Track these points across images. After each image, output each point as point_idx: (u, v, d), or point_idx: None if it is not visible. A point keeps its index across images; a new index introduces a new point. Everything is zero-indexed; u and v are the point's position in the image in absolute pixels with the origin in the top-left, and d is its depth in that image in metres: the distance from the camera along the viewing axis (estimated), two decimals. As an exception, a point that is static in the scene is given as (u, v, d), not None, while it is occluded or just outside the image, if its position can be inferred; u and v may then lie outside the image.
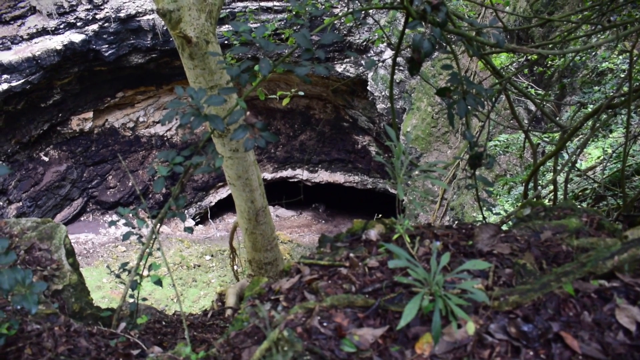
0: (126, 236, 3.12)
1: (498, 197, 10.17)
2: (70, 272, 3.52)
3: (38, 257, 3.53)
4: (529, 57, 9.37)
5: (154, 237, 3.10)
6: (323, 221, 24.01)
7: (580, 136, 9.75)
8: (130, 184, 19.37)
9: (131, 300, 3.58)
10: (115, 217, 19.38)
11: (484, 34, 2.61)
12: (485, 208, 3.19)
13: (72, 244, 15.32)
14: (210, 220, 21.57)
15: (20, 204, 17.15)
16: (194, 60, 4.44)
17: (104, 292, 16.64)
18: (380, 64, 17.55)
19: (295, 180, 22.47)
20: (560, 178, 6.65)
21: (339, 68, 18.56)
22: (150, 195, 20.10)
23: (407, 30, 2.65)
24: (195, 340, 4.33)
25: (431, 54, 2.36)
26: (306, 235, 22.02)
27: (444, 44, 2.90)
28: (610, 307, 1.63)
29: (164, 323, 4.67)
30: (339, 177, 22.21)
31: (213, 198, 21.87)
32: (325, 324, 1.74)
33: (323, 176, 22.41)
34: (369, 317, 1.74)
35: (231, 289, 5.26)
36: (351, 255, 2.22)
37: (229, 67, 2.70)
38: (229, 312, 4.85)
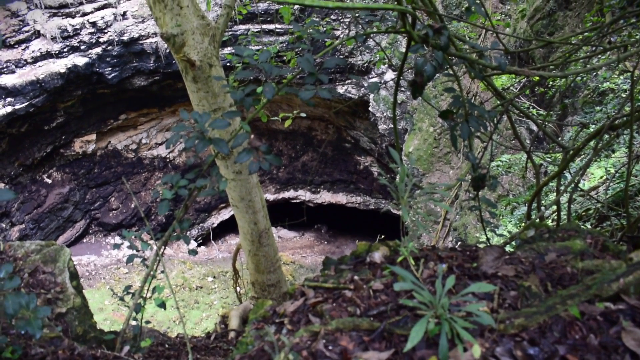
0: (130, 259, 3.13)
1: (501, 217, 10.17)
2: (74, 295, 3.52)
3: (42, 280, 3.54)
4: (531, 78, 9.44)
5: (157, 260, 3.10)
6: (325, 242, 23.94)
7: (583, 156, 9.77)
8: (132, 205, 19.39)
9: (134, 323, 3.57)
10: (118, 239, 19.39)
11: (486, 57, 2.65)
12: (488, 229, 3.20)
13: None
14: (212, 241, 21.54)
15: (23, 226, 17.16)
16: (198, 83, 4.49)
17: (106, 314, 16.55)
18: (382, 85, 17.68)
19: (298, 201, 22.48)
20: (563, 199, 6.64)
21: (341, 89, 18.69)
22: (153, 217, 20.11)
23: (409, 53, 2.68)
24: (198, 364, 4.30)
25: (433, 77, 2.39)
26: (309, 257, 21.94)
27: (446, 66, 2.94)
28: (617, 330, 1.63)
29: (167, 346, 4.64)
30: (341, 198, 22.22)
31: (215, 219, 21.86)
32: (330, 348, 1.74)
33: (325, 197, 22.41)
34: (374, 341, 1.74)
35: (234, 311, 5.24)
36: (356, 278, 2.22)
37: (233, 91, 2.74)
38: (232, 334, 4.83)
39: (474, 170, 2.86)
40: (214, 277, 19.02)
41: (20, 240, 17.06)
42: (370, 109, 18.61)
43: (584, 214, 8.05)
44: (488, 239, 3.32)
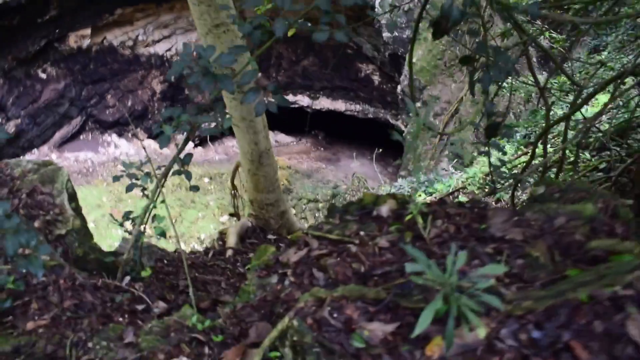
0: (129, 188, 3.07)
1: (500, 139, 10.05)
2: (73, 217, 3.49)
3: (40, 201, 3.49)
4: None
5: (158, 192, 3.05)
6: (322, 148, 23.93)
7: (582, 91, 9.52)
8: (129, 103, 19.09)
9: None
10: (115, 137, 19.26)
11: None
12: (496, 178, 3.13)
13: (72, 162, 15.43)
14: (209, 142, 21.46)
15: (19, 120, 16.95)
16: (200, -4, 4.21)
17: (104, 210, 16.77)
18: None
19: (296, 106, 22.13)
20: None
21: (346, -8, 17.78)
22: (150, 116, 19.88)
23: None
24: (196, 282, 4.38)
25: (460, 22, 2.22)
26: (305, 162, 22.03)
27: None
28: (622, 317, 1.61)
29: (165, 262, 4.71)
30: (340, 105, 21.89)
31: (213, 121, 21.64)
32: (335, 316, 1.72)
33: (324, 103, 22.08)
34: (379, 312, 1.72)
35: (232, 228, 5.29)
36: (361, 233, 2.18)
37: (241, 24, 2.55)
38: (229, 252, 4.89)
39: (488, 117, 2.74)
40: (210, 178, 19.15)
41: (18, 135, 16.92)
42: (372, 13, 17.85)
43: (584, 141, 7.98)
44: (494, 182, 3.27)
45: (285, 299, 2.08)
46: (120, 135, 19.34)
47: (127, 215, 3.31)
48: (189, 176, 2.73)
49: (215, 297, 3.07)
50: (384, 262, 2.06)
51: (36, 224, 3.38)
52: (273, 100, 2.36)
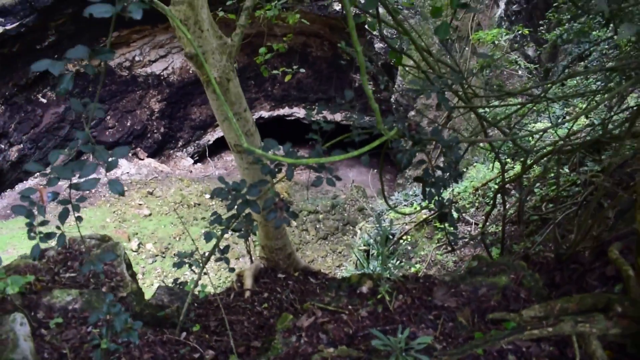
0: (178, 265, 4.29)
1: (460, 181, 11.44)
2: (131, 282, 4.75)
3: (105, 271, 4.75)
4: (520, 31, 10.22)
5: (199, 275, 4.27)
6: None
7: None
8: (128, 124, 20.33)
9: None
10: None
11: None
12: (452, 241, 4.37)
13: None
14: (208, 158, 22.72)
15: (21, 146, 18.19)
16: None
17: (108, 231, 18.01)
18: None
19: (292, 118, 23.42)
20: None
21: (337, 6, 19.03)
22: (149, 135, 21.13)
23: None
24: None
25: (410, 165, 3.47)
26: (303, 173, 23.26)
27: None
28: (504, 363, 2.88)
29: (196, 304, 5.95)
30: (337, 115, 23.15)
31: (211, 136, 22.90)
32: (333, 368, 2.99)
33: (323, 114, 23.30)
34: (360, 365, 2.99)
35: (247, 271, 6.53)
36: (350, 307, 3.44)
37: (262, 164, 3.78)
38: (247, 294, 6.14)
39: (439, 208, 3.99)
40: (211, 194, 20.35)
41: (20, 160, 18.18)
42: (366, 26, 19.07)
43: (563, 157, 9.26)
44: (450, 243, 4.52)
45: (302, 353, 3.35)
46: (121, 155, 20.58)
47: (175, 282, 4.57)
48: (227, 261, 3.97)
49: (247, 343, 4.33)
50: (365, 327, 3.33)
51: (104, 289, 4.65)
52: (287, 216, 3.59)
